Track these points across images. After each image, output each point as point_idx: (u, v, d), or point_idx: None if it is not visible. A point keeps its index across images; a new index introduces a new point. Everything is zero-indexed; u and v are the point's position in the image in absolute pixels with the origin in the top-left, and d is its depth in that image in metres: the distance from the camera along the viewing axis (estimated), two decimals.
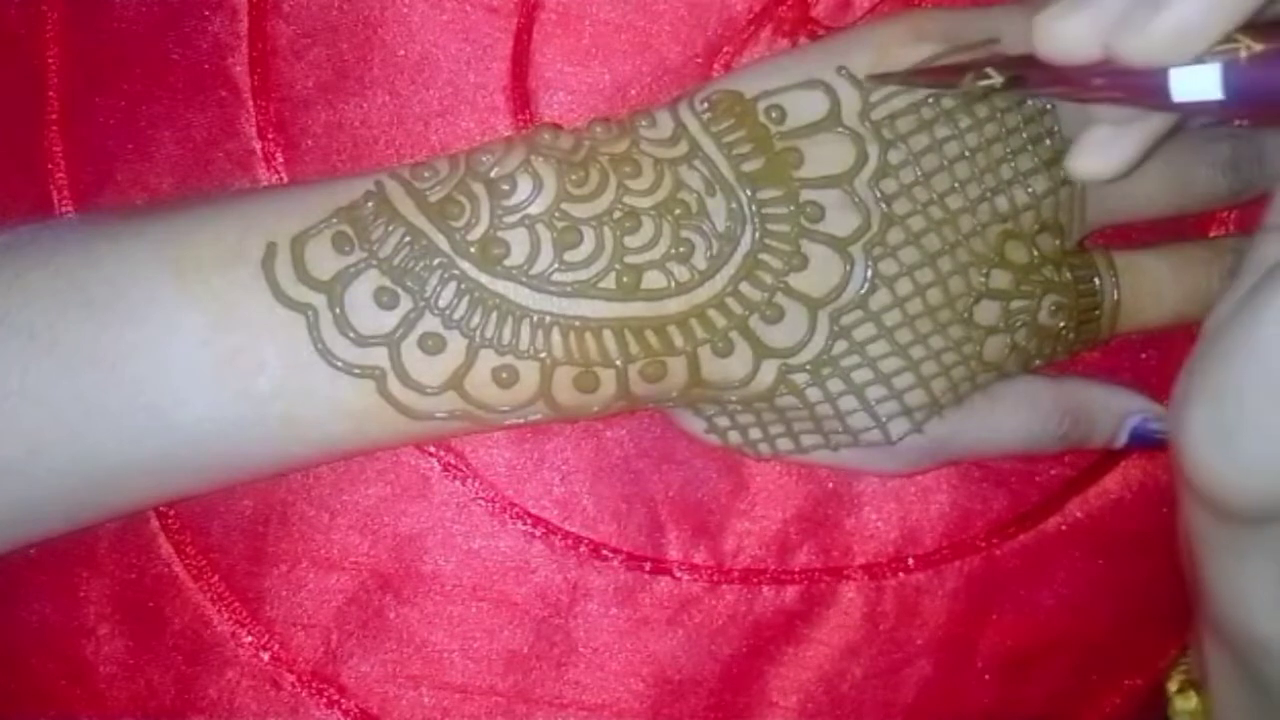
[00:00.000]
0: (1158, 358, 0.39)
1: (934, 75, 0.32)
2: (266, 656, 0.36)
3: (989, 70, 0.31)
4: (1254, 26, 0.27)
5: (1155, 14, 0.27)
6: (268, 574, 0.36)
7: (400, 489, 0.36)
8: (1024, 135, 0.34)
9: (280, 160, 0.36)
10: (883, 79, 0.32)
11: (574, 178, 0.31)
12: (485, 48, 0.35)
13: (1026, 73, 0.31)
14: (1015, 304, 0.34)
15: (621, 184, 0.32)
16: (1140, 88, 0.29)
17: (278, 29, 0.35)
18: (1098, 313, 0.35)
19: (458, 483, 0.36)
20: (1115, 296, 0.35)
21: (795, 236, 0.32)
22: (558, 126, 0.33)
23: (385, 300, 0.31)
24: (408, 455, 0.36)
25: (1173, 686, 0.38)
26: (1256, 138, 0.37)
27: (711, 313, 0.32)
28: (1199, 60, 0.27)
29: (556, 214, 0.31)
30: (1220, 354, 0.28)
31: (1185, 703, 0.37)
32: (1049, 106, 0.34)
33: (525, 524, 0.36)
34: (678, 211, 0.32)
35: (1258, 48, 0.27)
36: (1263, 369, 0.27)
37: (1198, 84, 0.28)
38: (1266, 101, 0.28)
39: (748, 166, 0.32)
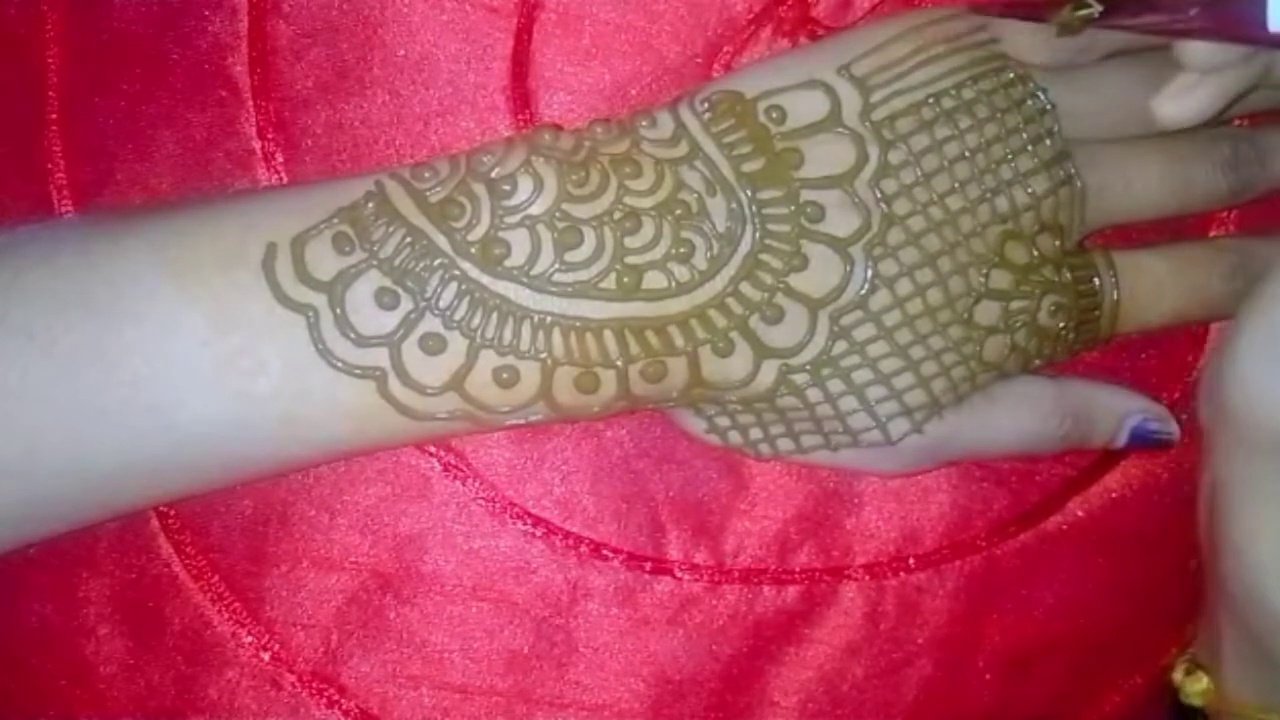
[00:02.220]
0: (1158, 358, 0.39)
1: (1028, 6, 0.32)
2: (266, 656, 0.36)
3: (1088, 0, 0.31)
4: None
5: None
6: (268, 574, 0.36)
7: (400, 489, 0.36)
8: (1024, 136, 0.34)
9: (280, 160, 0.36)
10: (975, 7, 0.32)
11: (574, 178, 0.31)
12: (485, 48, 0.35)
13: (1122, 2, 0.30)
14: (1015, 304, 0.34)
15: (622, 184, 0.32)
16: (1234, 19, 0.28)
17: (278, 29, 0.35)
18: (1098, 313, 0.35)
19: (458, 483, 0.36)
20: (1115, 296, 0.35)
21: (795, 237, 0.32)
22: (558, 127, 0.33)
23: (386, 301, 0.31)
24: (408, 455, 0.36)
25: (1179, 673, 0.38)
26: (1257, 138, 0.37)
27: (712, 313, 0.32)
28: None
29: (557, 214, 0.31)
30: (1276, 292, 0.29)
31: (1195, 684, 0.37)
32: (1049, 107, 0.34)
33: (525, 524, 0.36)
34: (678, 212, 0.32)
35: None
36: None
37: None
38: None
39: (748, 167, 0.32)
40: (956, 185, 0.33)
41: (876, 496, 0.37)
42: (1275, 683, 0.32)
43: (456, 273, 0.31)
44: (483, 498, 0.36)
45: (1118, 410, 0.36)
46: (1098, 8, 0.31)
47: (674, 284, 0.32)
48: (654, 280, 0.31)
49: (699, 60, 0.36)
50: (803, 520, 0.37)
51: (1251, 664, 0.33)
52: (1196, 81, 0.32)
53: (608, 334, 0.31)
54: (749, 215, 0.32)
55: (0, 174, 0.37)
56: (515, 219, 0.31)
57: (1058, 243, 0.34)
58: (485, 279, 0.31)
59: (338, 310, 0.31)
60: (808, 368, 0.33)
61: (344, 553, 0.36)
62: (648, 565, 0.37)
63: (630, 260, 0.31)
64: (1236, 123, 0.38)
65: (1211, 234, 0.39)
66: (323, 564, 0.36)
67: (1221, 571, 0.32)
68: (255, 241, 0.31)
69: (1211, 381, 0.31)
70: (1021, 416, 0.35)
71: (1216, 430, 0.31)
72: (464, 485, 0.36)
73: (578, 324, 0.31)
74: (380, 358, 0.31)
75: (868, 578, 0.37)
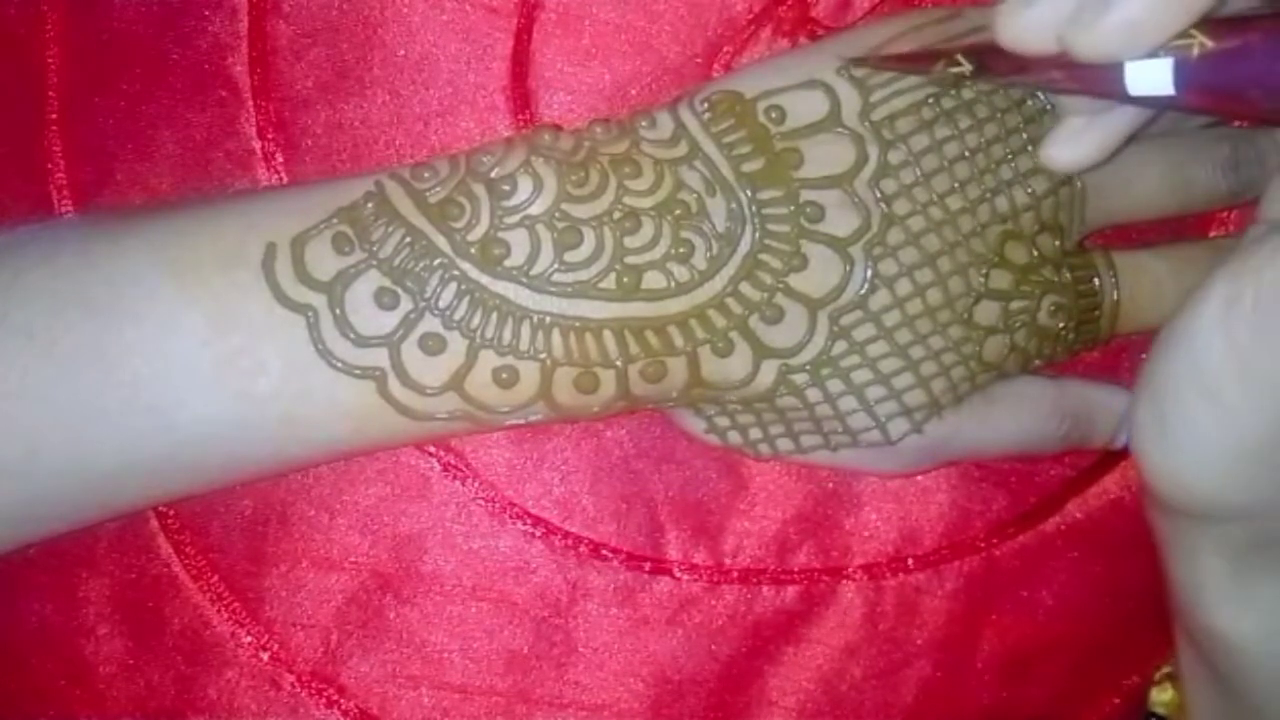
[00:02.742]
0: None
1: (907, 61, 0.33)
2: (266, 656, 0.36)
3: (959, 58, 0.31)
4: (1210, 22, 0.28)
5: (1106, 10, 0.27)
6: (268, 574, 0.36)
7: (400, 489, 0.36)
8: (1024, 136, 0.34)
9: (280, 160, 0.36)
10: (858, 63, 0.33)
11: (574, 178, 0.31)
12: (485, 48, 0.35)
13: (992, 62, 0.31)
14: (1015, 304, 0.34)
15: (621, 184, 0.32)
16: (1096, 80, 0.29)
17: (278, 29, 0.35)
18: (1097, 313, 0.35)
19: (458, 483, 0.36)
20: (1115, 296, 0.35)
21: (795, 237, 0.32)
22: (558, 127, 0.33)
23: (385, 301, 0.31)
24: (408, 455, 0.36)
25: (1155, 678, 0.38)
26: (1257, 138, 0.37)
27: (711, 313, 0.32)
28: (1153, 55, 0.28)
29: (557, 214, 0.31)
30: (1162, 349, 0.29)
31: (1161, 694, 0.38)
32: (1049, 107, 0.34)
33: (525, 524, 0.36)
34: (678, 212, 0.32)
35: (1210, 45, 0.27)
36: (1192, 363, 0.28)
37: (1150, 78, 0.28)
38: (1216, 97, 0.28)
39: (748, 167, 0.32)
40: (956, 185, 0.33)
41: (875, 497, 0.37)
42: (1226, 701, 0.33)
43: (456, 273, 0.31)
44: (482, 498, 0.36)
45: (1117, 411, 0.36)
46: (968, 67, 0.31)
47: (673, 284, 0.32)
48: (653, 280, 0.31)
49: (699, 60, 0.36)
50: (802, 520, 0.37)
51: (1204, 686, 0.33)
52: (1085, 124, 0.32)
53: (607, 334, 0.31)
54: (749, 215, 0.32)
55: (0, 174, 0.37)
56: (515, 219, 0.31)
57: (1058, 243, 0.34)
58: (485, 279, 0.31)
59: (337, 310, 0.31)
60: (807, 368, 0.33)
61: (344, 553, 0.36)
62: (647, 565, 0.37)
63: (630, 260, 0.31)
64: (1236, 124, 0.38)
65: (1211, 234, 0.39)
66: (322, 564, 0.36)
67: (1176, 606, 0.32)
68: (255, 241, 0.31)
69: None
70: (1021, 417, 0.35)
71: (1145, 488, 0.31)
72: (464, 485, 0.36)
73: (577, 324, 0.31)
74: (380, 358, 0.31)
75: (866, 578, 0.37)
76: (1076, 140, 0.33)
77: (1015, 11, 0.29)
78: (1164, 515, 0.30)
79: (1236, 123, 0.38)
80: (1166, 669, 0.39)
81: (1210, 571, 0.30)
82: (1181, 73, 0.28)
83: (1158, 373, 0.29)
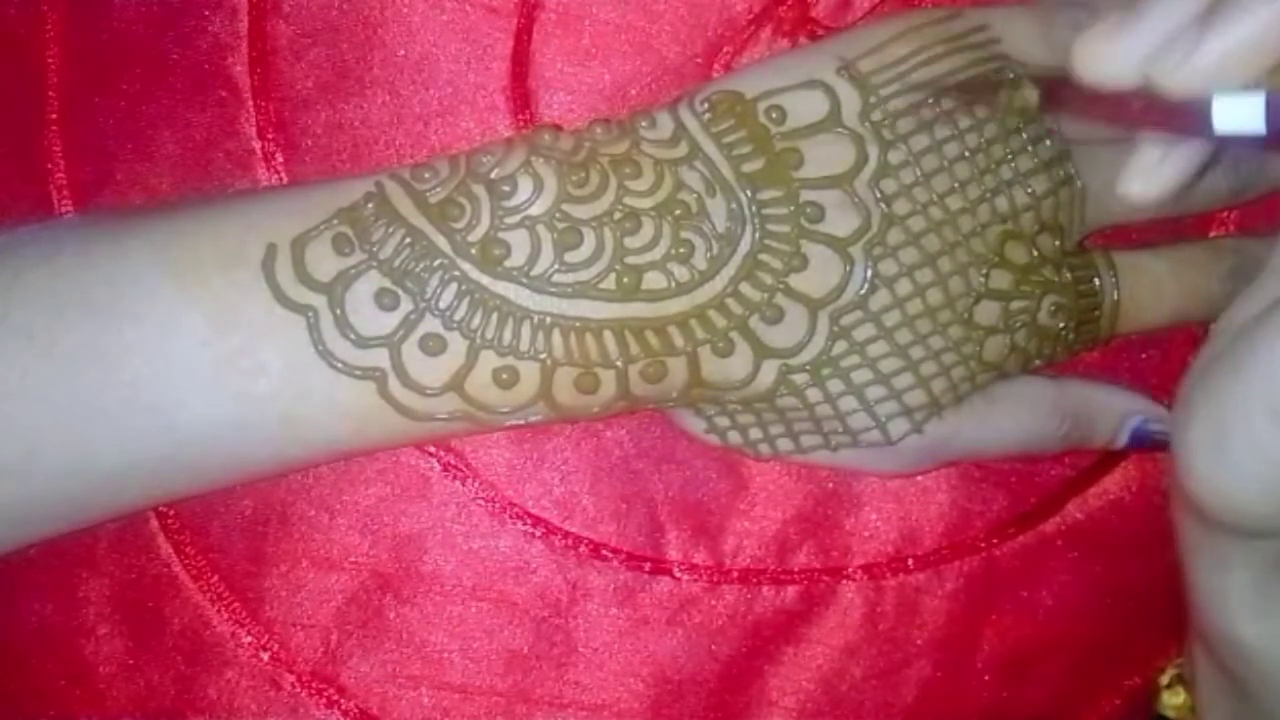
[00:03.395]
0: (1158, 358, 0.39)
1: (969, 90, 0.32)
2: (266, 656, 0.36)
3: (1025, 91, 0.30)
4: None
5: (1200, 43, 0.26)
6: (268, 574, 0.36)
7: (400, 489, 0.36)
8: (1024, 136, 0.34)
9: (280, 160, 0.36)
10: (912, 89, 0.32)
11: (574, 179, 0.31)
12: (485, 48, 0.35)
13: (1062, 93, 0.30)
14: (1015, 304, 0.34)
15: (622, 185, 0.32)
16: (1179, 117, 0.28)
17: (278, 29, 0.35)
18: (1097, 313, 0.35)
19: (458, 483, 0.36)
20: (1115, 296, 0.35)
21: (795, 237, 0.32)
22: (558, 127, 0.33)
23: (386, 302, 0.31)
24: (408, 455, 0.36)
25: (1164, 680, 0.38)
26: None
27: (712, 313, 0.32)
28: (1242, 91, 0.27)
29: (557, 215, 0.31)
30: (1230, 362, 0.28)
31: (1174, 698, 0.38)
32: None
33: (525, 524, 0.36)
34: (678, 212, 0.32)
35: None
36: (1266, 383, 0.27)
37: (1240, 115, 0.27)
38: None
39: (748, 167, 0.32)
40: (956, 185, 0.33)
41: (876, 497, 0.37)
42: (1244, 711, 0.32)
43: (456, 273, 0.31)
44: (482, 498, 0.36)
45: (1118, 411, 0.36)
46: (1035, 94, 0.30)
47: (674, 284, 0.32)
48: (654, 280, 0.31)
49: (699, 60, 0.36)
50: (802, 520, 0.37)
51: (1218, 694, 0.33)
52: (1162, 156, 0.31)
53: (607, 334, 0.31)
54: (749, 215, 0.32)
55: (0, 174, 0.37)
56: (515, 219, 0.31)
57: (1058, 243, 0.34)
58: (485, 279, 0.31)
59: (338, 311, 0.31)
60: (807, 368, 0.33)
61: (344, 553, 0.36)
62: (647, 565, 0.37)
63: (630, 261, 0.31)
64: None
65: (1211, 234, 0.39)
66: (322, 564, 0.36)
67: (1195, 612, 0.32)
68: (255, 242, 0.31)
69: (1173, 453, 0.30)
70: (1021, 417, 0.35)
71: (1179, 497, 0.30)
72: (464, 485, 0.36)
73: (577, 324, 0.31)
74: (380, 358, 0.31)
75: (866, 578, 0.37)
76: (1154, 174, 0.32)
77: (1101, 43, 0.28)
78: (1198, 525, 0.30)
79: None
80: (1176, 671, 0.38)
81: (1236, 583, 0.30)
82: (1276, 109, 0.26)
83: (1221, 388, 0.28)
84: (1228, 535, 0.29)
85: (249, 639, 0.36)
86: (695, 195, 0.32)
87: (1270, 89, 0.27)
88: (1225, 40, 0.26)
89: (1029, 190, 0.34)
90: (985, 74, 0.32)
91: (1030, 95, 0.31)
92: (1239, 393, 0.27)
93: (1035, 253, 0.34)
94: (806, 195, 0.32)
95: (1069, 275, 0.35)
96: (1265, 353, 0.27)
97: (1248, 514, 0.28)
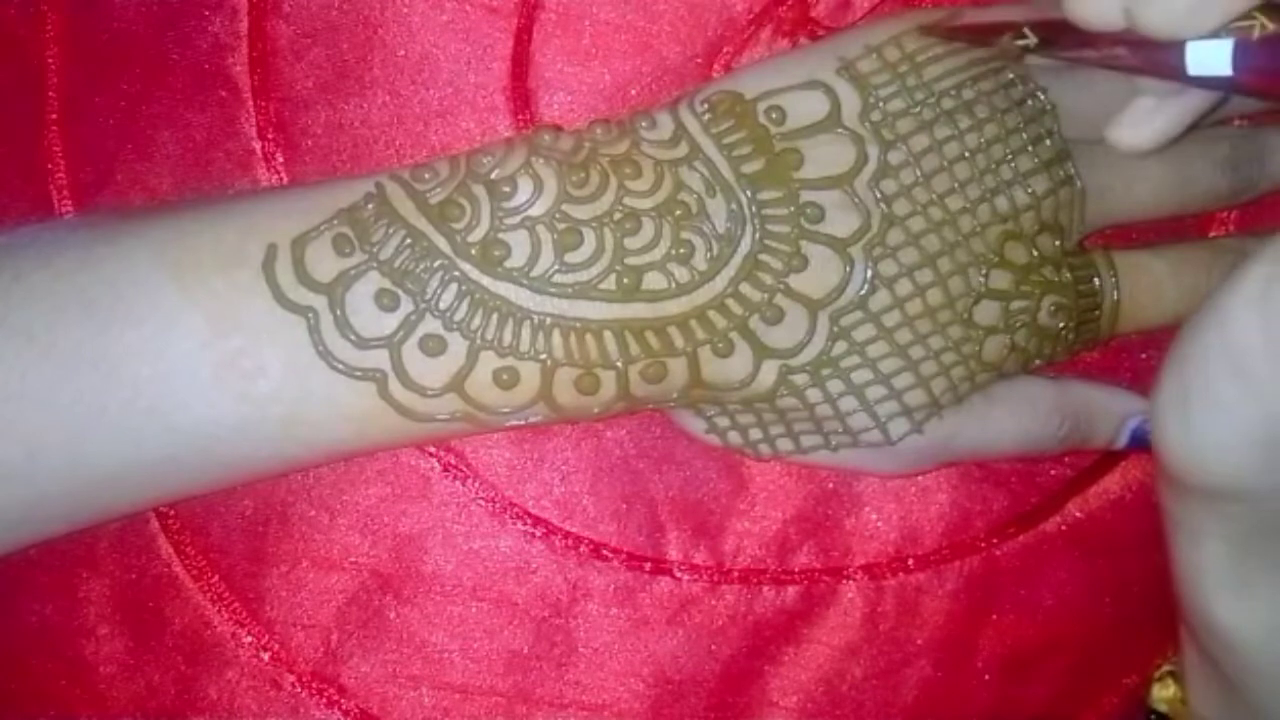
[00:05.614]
0: (1158, 358, 0.38)
1: (972, 32, 0.33)
2: (266, 656, 0.36)
3: (1025, 30, 0.32)
4: (1273, 6, 0.28)
5: None
6: (268, 574, 0.36)
7: (400, 489, 0.36)
8: (1024, 136, 0.34)
9: (280, 160, 0.36)
10: (926, 30, 0.33)
11: (574, 179, 0.31)
12: (485, 48, 0.35)
13: (1057, 36, 0.32)
14: (1015, 304, 0.34)
15: (622, 185, 0.32)
16: (1158, 59, 0.30)
17: (278, 29, 0.35)
18: (1097, 313, 0.35)
19: (458, 483, 0.36)
20: (1115, 296, 0.35)
21: (795, 237, 0.32)
22: (558, 127, 0.33)
23: (386, 302, 0.31)
24: (408, 456, 0.36)
25: (1155, 675, 0.38)
26: (1257, 137, 0.37)
27: (712, 314, 0.32)
28: (1215, 35, 0.29)
29: (557, 215, 0.31)
30: (1194, 325, 0.29)
31: (1163, 690, 0.38)
32: (1049, 107, 0.34)
33: (525, 524, 0.36)
34: (678, 213, 0.32)
35: (1271, 27, 0.28)
36: (1224, 340, 0.28)
37: (1210, 59, 0.29)
38: (1273, 80, 0.29)
39: (748, 168, 0.32)
40: (956, 185, 0.33)
41: (876, 497, 0.37)
42: (1229, 700, 0.33)
43: (456, 274, 0.31)
44: (483, 498, 0.36)
45: (1118, 411, 0.36)
46: (1034, 39, 0.32)
47: (674, 285, 0.32)
48: (654, 281, 0.31)
49: (699, 60, 0.36)
50: (802, 521, 0.37)
51: (1206, 683, 0.33)
52: (1154, 106, 0.33)
53: (607, 335, 0.31)
54: (749, 216, 0.32)
55: (0, 174, 0.37)
56: (515, 220, 0.31)
57: (1058, 243, 0.34)
58: (485, 280, 0.31)
59: (338, 312, 0.31)
60: (808, 368, 0.33)
61: (344, 553, 0.36)
62: (647, 565, 0.37)
63: (630, 261, 0.31)
64: (1236, 123, 0.38)
65: (1211, 234, 0.39)
66: (323, 564, 0.36)
67: (1178, 596, 0.32)
68: (255, 243, 0.31)
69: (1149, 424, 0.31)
70: (1021, 417, 0.35)
71: (1159, 470, 0.31)
72: (464, 485, 0.36)
73: (578, 325, 0.31)
74: (380, 359, 0.31)
75: (867, 578, 0.37)
76: (1144, 122, 0.33)
77: None
78: (1173, 493, 0.30)
79: (1238, 121, 0.38)
80: (1168, 666, 0.39)
81: (1212, 555, 0.30)
82: (1241, 54, 0.29)
83: (1187, 349, 0.29)
84: (1201, 502, 0.30)
85: (249, 639, 0.36)
86: (695, 196, 0.32)
87: (1238, 35, 0.29)
88: None
89: (1029, 190, 0.34)
90: (992, 20, 0.33)
91: (1028, 37, 0.32)
92: (1200, 353, 0.28)
93: (1035, 253, 0.34)
94: (806, 196, 0.32)
95: (1069, 275, 0.35)
96: (1225, 312, 0.28)
97: (1215, 472, 0.29)
